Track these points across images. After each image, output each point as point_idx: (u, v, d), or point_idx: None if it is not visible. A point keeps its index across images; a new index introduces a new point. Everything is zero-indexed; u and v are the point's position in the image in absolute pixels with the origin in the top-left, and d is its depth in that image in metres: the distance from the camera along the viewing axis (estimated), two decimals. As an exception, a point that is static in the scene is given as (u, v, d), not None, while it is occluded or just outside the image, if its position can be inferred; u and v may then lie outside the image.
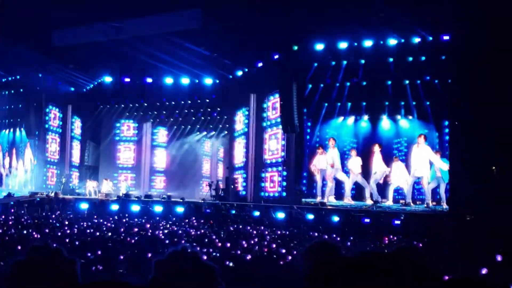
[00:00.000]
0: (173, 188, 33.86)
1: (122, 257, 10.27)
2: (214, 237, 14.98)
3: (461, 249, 13.06)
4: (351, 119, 26.03)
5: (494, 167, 20.31)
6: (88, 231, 15.73)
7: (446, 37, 22.62)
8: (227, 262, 10.08)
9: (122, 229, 16.26)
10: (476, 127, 20.35)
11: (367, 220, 20.74)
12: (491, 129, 19.61)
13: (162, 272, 2.10)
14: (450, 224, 18.96)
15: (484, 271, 8.17)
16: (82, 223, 18.02)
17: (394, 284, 1.14)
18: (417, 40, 23.27)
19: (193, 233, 16.17)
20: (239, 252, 11.72)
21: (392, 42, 23.75)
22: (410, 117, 24.98)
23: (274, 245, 13.22)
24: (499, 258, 9.93)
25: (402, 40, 23.57)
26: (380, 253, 1.24)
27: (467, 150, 20.62)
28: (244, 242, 13.45)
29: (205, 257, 10.91)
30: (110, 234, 14.90)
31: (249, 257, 10.19)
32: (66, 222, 18.18)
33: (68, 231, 15.34)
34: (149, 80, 32.60)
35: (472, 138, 20.43)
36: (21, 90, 33.76)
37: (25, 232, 13.97)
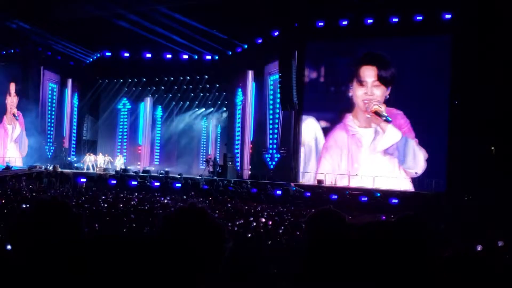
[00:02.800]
0: (171, 164, 33.86)
1: (119, 231, 10.29)
2: (212, 213, 15.00)
3: (458, 228, 13.11)
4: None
5: (492, 147, 20.35)
6: (86, 205, 15.73)
7: (448, 16, 22.51)
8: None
9: (120, 204, 16.27)
10: (476, 107, 20.32)
11: (364, 198, 20.81)
12: (492, 109, 19.59)
13: (169, 226, 2.12)
14: (448, 204, 19.03)
15: (479, 247, 8.20)
16: (81, 198, 18.03)
17: (396, 250, 1.13)
18: (419, 18, 23.12)
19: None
20: (236, 228, 11.73)
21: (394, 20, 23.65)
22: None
23: (270, 222, 13.22)
24: (500, 243, 9.95)
25: (403, 18, 23.42)
26: (384, 221, 1.23)
27: (466, 129, 20.62)
28: (241, 219, 13.46)
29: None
30: (108, 208, 14.90)
31: (249, 235, 10.21)
32: (63, 196, 18.19)
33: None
34: (148, 55, 32.41)
35: (472, 118, 20.42)
36: (20, 63, 33.59)
37: (24, 206, 13.96)
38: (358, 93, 24.88)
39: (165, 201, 18.66)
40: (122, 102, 36.12)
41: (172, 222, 2.11)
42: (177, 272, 0.89)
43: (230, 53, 30.29)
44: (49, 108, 34.63)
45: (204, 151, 35.89)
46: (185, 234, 1.96)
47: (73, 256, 0.87)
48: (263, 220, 12.51)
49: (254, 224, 12.36)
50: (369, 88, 24.61)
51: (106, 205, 16.01)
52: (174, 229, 2.02)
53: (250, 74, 29.68)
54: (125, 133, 36.36)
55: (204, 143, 36.05)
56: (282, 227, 11.40)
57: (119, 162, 32.72)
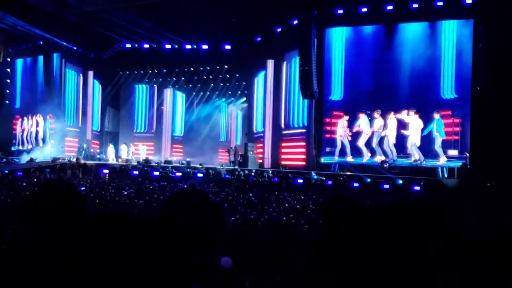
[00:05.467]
0: (192, 155, 33.98)
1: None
2: (234, 203, 15.08)
3: (482, 215, 13.00)
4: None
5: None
6: (109, 196, 15.91)
7: (468, 0, 22.25)
8: (246, 227, 10.16)
9: (143, 194, 16.43)
10: (498, 93, 20.11)
11: (386, 186, 20.74)
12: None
13: (171, 207, 2.25)
14: (471, 190, 18.87)
15: None
16: (105, 187, 18.24)
17: (409, 234, 1.13)
18: (439, 3, 22.87)
19: (212, 198, 16.27)
20: (253, 217, 11.78)
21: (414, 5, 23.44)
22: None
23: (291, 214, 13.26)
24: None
25: (424, 4, 23.20)
26: (398, 204, 1.23)
27: (488, 115, 20.42)
28: (265, 207, 13.53)
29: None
30: (131, 198, 15.07)
31: (268, 220, 10.26)
32: (87, 186, 18.40)
33: (92, 195, 15.55)
34: (168, 46, 32.52)
35: (493, 104, 20.22)
36: (41, 56, 33.91)
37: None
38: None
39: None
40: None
41: (172, 202, 2.24)
42: (178, 248, 0.92)
43: (250, 42, 30.26)
44: (71, 100, 34.93)
45: (225, 141, 35.95)
46: (185, 213, 2.07)
47: (76, 233, 0.90)
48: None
49: (274, 214, 12.41)
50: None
51: (132, 194, 16.21)
52: (175, 209, 2.15)
53: (269, 63, 29.64)
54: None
55: (225, 133, 36.11)
56: (303, 216, 11.43)
57: (143, 152, 32.90)
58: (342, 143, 25.60)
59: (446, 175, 22.44)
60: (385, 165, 23.36)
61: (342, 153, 25.55)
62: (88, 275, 0.90)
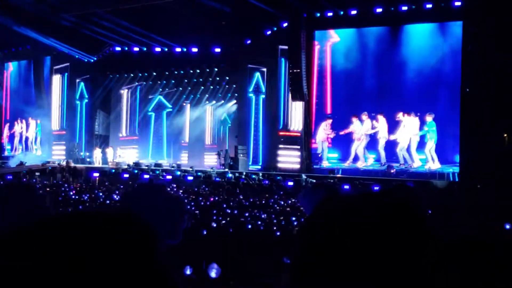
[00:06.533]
0: (182, 157, 33.94)
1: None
2: (224, 205, 15.07)
3: (472, 217, 13.07)
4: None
5: (505, 135, 20.24)
6: (102, 196, 15.86)
7: (457, 3, 22.38)
8: (236, 230, 10.15)
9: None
10: (487, 95, 20.22)
11: (376, 188, 20.76)
12: (503, 97, 19.48)
13: (129, 202, 2.26)
14: (461, 192, 18.97)
15: (508, 226, 7.95)
16: (95, 191, 18.17)
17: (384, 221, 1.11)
18: (428, 6, 22.99)
19: (202, 202, 16.25)
20: (246, 219, 11.77)
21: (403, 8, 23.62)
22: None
23: (282, 217, 13.27)
24: (507, 226, 9.86)
25: (413, 7, 23.33)
26: (380, 192, 1.21)
27: (478, 117, 20.52)
28: (255, 210, 13.53)
29: (214, 225, 11.00)
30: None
31: (259, 222, 10.26)
32: (77, 190, 18.34)
33: (81, 199, 15.50)
34: (158, 49, 32.49)
35: (483, 105, 20.32)
36: (31, 60, 33.81)
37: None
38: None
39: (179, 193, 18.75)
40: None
41: (131, 197, 2.25)
42: (134, 241, 0.89)
43: (240, 45, 30.29)
44: (61, 103, 34.83)
45: (215, 143, 35.86)
46: (143, 207, 2.08)
47: (35, 234, 0.87)
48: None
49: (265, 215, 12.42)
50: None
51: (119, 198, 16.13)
52: (133, 203, 2.16)
53: (259, 64, 29.65)
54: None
55: (215, 136, 36.02)
56: (294, 218, 11.44)
57: (132, 156, 32.75)
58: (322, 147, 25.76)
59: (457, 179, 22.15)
60: (391, 170, 23.27)
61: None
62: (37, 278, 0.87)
